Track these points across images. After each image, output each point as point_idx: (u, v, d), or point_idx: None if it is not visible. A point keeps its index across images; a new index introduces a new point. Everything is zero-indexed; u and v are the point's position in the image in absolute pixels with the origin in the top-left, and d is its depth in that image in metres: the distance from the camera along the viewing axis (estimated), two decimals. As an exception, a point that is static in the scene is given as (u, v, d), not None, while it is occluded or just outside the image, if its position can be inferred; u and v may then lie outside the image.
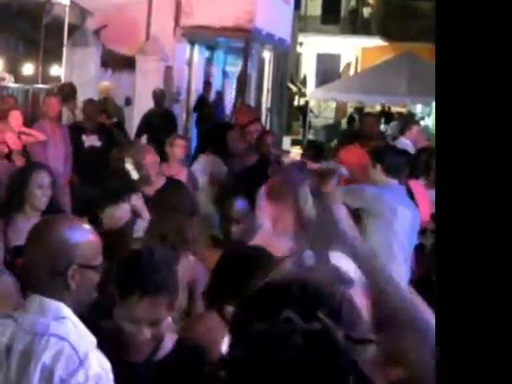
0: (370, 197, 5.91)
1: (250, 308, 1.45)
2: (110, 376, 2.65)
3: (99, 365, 2.62)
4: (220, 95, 18.62)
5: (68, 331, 2.63)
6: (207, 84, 18.75)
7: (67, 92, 12.05)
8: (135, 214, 5.46)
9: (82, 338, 2.66)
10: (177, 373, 3.03)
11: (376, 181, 6.12)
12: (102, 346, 2.72)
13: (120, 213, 5.27)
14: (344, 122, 26.21)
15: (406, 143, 9.05)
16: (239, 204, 5.03)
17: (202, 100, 18.11)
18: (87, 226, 2.86)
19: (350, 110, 27.73)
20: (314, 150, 9.64)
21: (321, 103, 28.89)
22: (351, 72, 31.88)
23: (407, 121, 11.37)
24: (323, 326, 1.37)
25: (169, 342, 3.20)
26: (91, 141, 10.39)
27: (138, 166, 6.96)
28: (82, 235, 2.77)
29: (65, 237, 2.72)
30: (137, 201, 6.77)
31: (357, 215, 5.93)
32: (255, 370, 1.36)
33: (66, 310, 2.68)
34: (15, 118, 9.89)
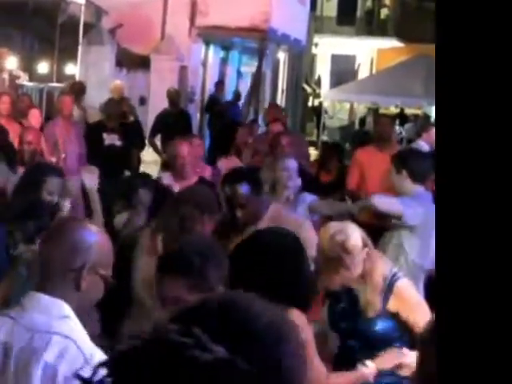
0: (421, 214, 5.48)
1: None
2: None
3: None
4: (237, 95, 18.59)
5: (71, 330, 2.60)
6: (220, 84, 18.72)
7: (78, 90, 12.04)
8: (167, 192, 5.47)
9: (85, 337, 2.63)
10: None
11: (401, 188, 5.81)
12: None
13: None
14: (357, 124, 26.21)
15: (423, 145, 8.93)
16: (244, 188, 5.01)
17: (213, 100, 18.07)
18: (104, 233, 2.87)
19: (362, 111, 27.67)
20: (331, 151, 9.56)
21: (335, 104, 28.83)
22: (363, 73, 31.79)
23: (424, 122, 11.20)
24: (194, 342, 1.32)
25: None
26: (112, 139, 10.40)
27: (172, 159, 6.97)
28: (98, 239, 2.78)
29: (82, 237, 2.74)
30: (167, 179, 6.74)
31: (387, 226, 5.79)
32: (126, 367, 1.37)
33: (68, 310, 2.65)
34: (35, 117, 9.84)
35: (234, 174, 5.16)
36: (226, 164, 8.72)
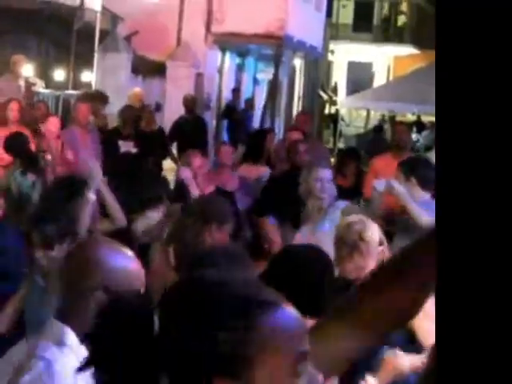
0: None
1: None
2: None
3: None
4: (249, 103, 18.58)
5: (59, 360, 2.48)
6: (236, 91, 18.73)
7: (97, 99, 12.01)
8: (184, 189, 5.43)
9: (72, 370, 2.52)
10: None
11: (410, 195, 5.75)
12: None
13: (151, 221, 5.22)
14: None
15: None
16: (270, 221, 5.00)
17: (229, 108, 18.09)
18: (130, 254, 2.66)
19: (378, 119, 27.61)
20: (347, 156, 9.50)
21: (352, 112, 28.79)
22: (380, 80, 31.74)
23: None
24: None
25: None
26: (127, 146, 10.38)
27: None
28: (121, 261, 2.61)
29: (101, 258, 2.58)
30: (186, 173, 6.67)
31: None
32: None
33: (72, 338, 2.53)
34: (54, 124, 9.73)
35: (261, 206, 5.13)
36: (247, 171, 8.72)
